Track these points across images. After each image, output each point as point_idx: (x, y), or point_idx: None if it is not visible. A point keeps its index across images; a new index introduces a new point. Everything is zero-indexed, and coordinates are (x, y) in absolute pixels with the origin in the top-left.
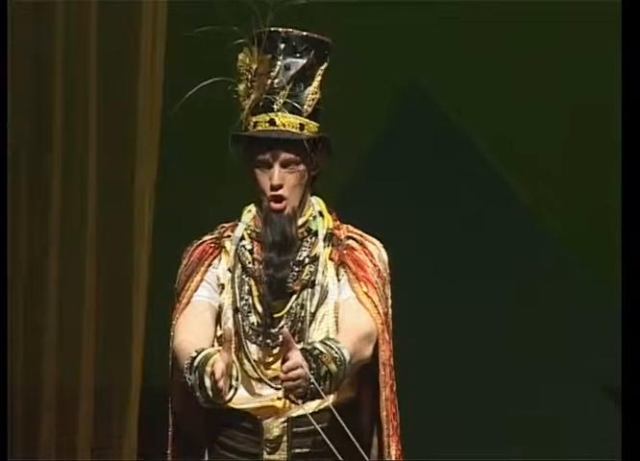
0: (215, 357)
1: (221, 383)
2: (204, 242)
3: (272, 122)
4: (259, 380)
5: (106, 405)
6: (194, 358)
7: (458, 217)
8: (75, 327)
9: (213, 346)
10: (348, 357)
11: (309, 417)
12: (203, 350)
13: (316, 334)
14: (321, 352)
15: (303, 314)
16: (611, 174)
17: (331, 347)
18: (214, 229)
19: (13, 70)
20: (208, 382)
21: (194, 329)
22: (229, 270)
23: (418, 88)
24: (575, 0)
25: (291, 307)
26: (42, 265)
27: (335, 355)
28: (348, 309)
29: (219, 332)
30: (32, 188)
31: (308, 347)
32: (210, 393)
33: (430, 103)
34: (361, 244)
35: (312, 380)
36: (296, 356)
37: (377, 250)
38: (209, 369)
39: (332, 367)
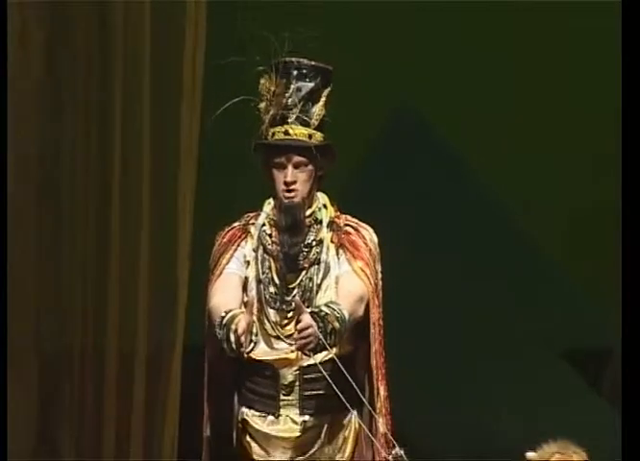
0: (239, 317)
1: (242, 338)
2: (233, 228)
3: (286, 132)
4: (277, 338)
5: (157, 362)
6: (223, 317)
7: (437, 214)
8: (133, 298)
9: (240, 308)
10: (347, 316)
11: (318, 365)
12: (230, 310)
13: (322, 301)
14: (327, 314)
15: (311, 285)
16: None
17: (333, 308)
18: (241, 217)
19: (72, 72)
20: (232, 337)
21: (225, 293)
22: (253, 250)
23: (406, 107)
24: (573, 0)
25: (302, 280)
26: (108, 247)
27: (338, 315)
28: (346, 279)
29: (245, 298)
30: (93, 185)
31: (316, 309)
32: (234, 345)
33: (417, 118)
34: (356, 230)
35: (320, 337)
36: (307, 318)
37: (369, 234)
38: (233, 326)
39: (336, 324)
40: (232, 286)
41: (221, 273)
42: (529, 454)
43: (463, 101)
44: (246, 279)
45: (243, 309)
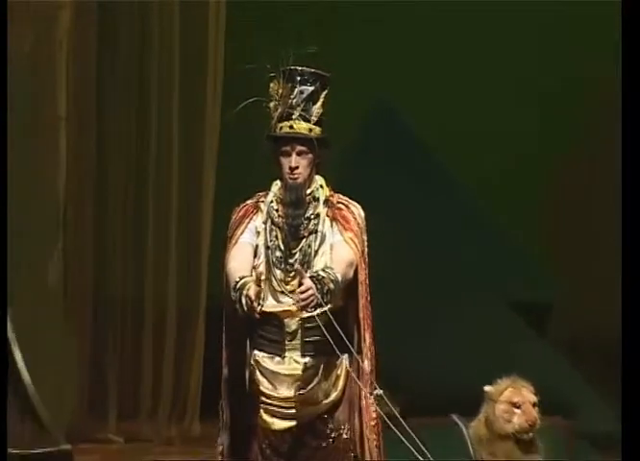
0: (250, 284)
1: (253, 302)
2: (247, 204)
3: (291, 127)
4: (282, 293)
5: (185, 314)
6: (237, 282)
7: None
8: (165, 262)
9: (251, 273)
10: (340, 278)
11: (316, 318)
12: (243, 277)
13: (318, 264)
14: (323, 277)
15: (309, 251)
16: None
17: (329, 272)
18: (254, 196)
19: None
20: (243, 300)
21: (239, 259)
22: (263, 222)
23: (385, 105)
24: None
25: (302, 246)
26: (145, 224)
27: (332, 278)
28: (338, 247)
29: (255, 262)
30: (132, 174)
31: (314, 273)
32: (245, 307)
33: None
34: (347, 206)
35: (318, 297)
36: (307, 282)
37: (357, 209)
38: (245, 291)
39: (331, 286)
40: (245, 253)
41: (236, 242)
42: (487, 388)
43: (439, 97)
44: (257, 246)
45: (254, 277)
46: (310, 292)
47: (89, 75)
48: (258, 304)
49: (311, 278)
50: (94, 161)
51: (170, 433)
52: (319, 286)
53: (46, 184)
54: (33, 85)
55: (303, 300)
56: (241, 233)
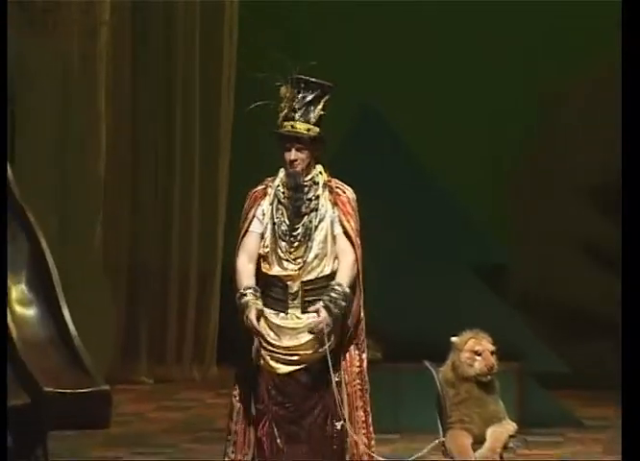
0: (251, 307)
1: (255, 328)
2: (257, 190)
3: (293, 126)
4: (287, 260)
5: (204, 277)
6: (242, 295)
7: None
8: (188, 236)
9: (260, 253)
10: (349, 290)
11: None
12: (247, 290)
13: (318, 237)
14: (336, 299)
15: (310, 226)
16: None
17: (338, 291)
18: (263, 181)
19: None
20: (245, 319)
21: (246, 252)
22: (270, 204)
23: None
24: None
25: (304, 222)
26: (171, 202)
27: (342, 297)
28: (342, 245)
29: (261, 251)
30: (160, 161)
31: (327, 298)
32: (246, 323)
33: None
34: (343, 191)
35: (330, 324)
36: (323, 314)
37: (351, 194)
38: (247, 312)
39: (343, 304)
40: (251, 244)
41: (247, 231)
42: (453, 339)
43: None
44: (262, 233)
45: (254, 293)
46: (322, 326)
47: (124, 78)
48: (258, 325)
49: (325, 305)
50: (129, 150)
51: (192, 375)
52: (335, 311)
53: (90, 170)
54: (77, 88)
55: (318, 330)
56: (250, 222)
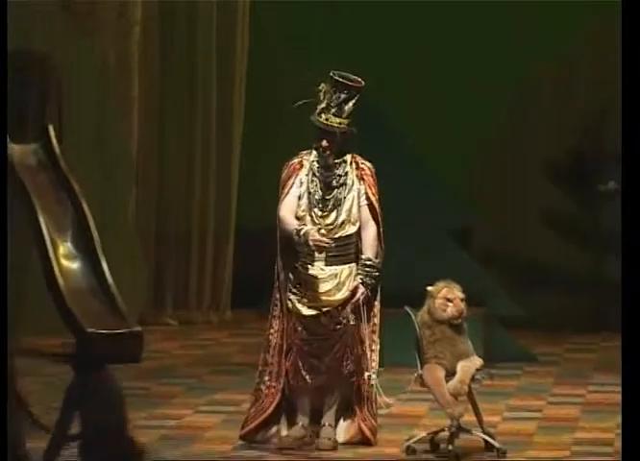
0: (311, 232)
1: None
2: (294, 162)
3: (327, 119)
4: (318, 223)
5: (221, 235)
6: (299, 230)
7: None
8: (206, 201)
9: (296, 214)
10: (377, 260)
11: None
12: (302, 226)
13: (345, 205)
14: (371, 269)
15: (340, 197)
16: None
17: (372, 263)
18: (299, 154)
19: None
20: (311, 243)
21: (288, 207)
22: (306, 175)
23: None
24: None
25: (334, 194)
26: (192, 175)
27: (376, 273)
28: (366, 221)
29: (298, 212)
30: (182, 140)
31: (362, 274)
32: (313, 247)
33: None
34: (367, 167)
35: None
36: (360, 291)
37: (372, 168)
38: (310, 237)
39: (376, 274)
40: (291, 204)
41: (288, 193)
42: (429, 288)
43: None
44: (300, 196)
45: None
46: (361, 298)
47: (153, 71)
48: (325, 241)
49: (362, 281)
50: (157, 132)
51: (210, 318)
52: (372, 281)
53: (124, 149)
54: (113, 79)
55: (356, 303)
56: (290, 187)
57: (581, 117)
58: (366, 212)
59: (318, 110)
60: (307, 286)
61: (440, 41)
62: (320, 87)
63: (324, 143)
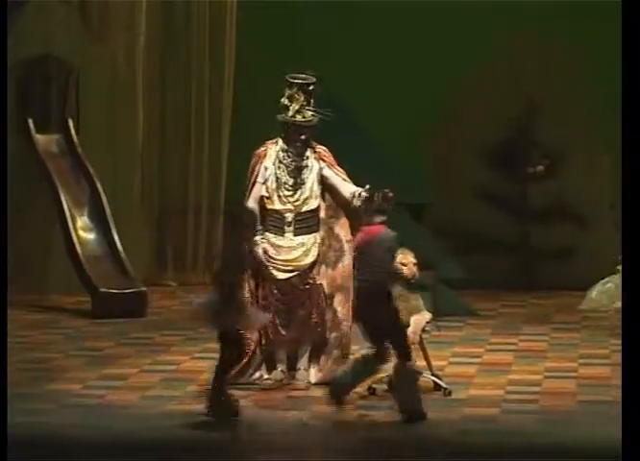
0: (259, 245)
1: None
2: (260, 151)
3: (304, 117)
4: (286, 200)
5: (212, 208)
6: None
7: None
8: (200, 181)
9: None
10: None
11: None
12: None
13: (308, 183)
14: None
15: (303, 177)
16: None
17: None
18: (264, 144)
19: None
20: (258, 250)
21: (253, 195)
22: (272, 163)
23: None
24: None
25: (298, 174)
26: (187, 156)
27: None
28: (337, 178)
29: (265, 194)
30: (179, 128)
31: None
32: (259, 255)
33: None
34: (323, 149)
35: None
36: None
37: (327, 149)
38: (257, 247)
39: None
40: (257, 191)
41: (254, 183)
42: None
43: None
44: (265, 181)
45: (259, 236)
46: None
47: (155, 69)
48: (267, 260)
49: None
50: (158, 120)
51: (205, 279)
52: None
53: (130, 136)
54: (122, 77)
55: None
56: (256, 175)
57: (514, 111)
58: (339, 178)
59: (292, 112)
60: (280, 254)
61: (396, 43)
62: (287, 93)
63: (303, 137)
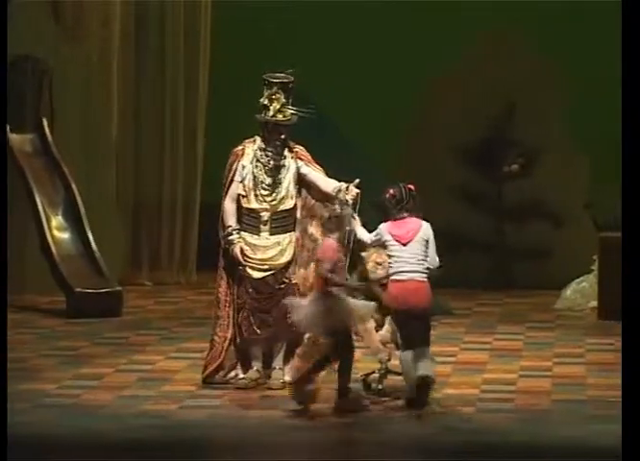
0: (236, 244)
1: (240, 259)
2: (237, 149)
3: (285, 115)
4: (262, 199)
5: (188, 207)
6: (229, 234)
7: None
8: (175, 178)
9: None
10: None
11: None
12: (232, 230)
13: (284, 184)
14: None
15: (280, 177)
16: None
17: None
18: (242, 143)
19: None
20: (232, 252)
21: (230, 193)
22: (250, 162)
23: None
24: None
25: (275, 175)
26: (162, 155)
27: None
28: (316, 174)
29: (241, 192)
30: (153, 125)
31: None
32: (232, 256)
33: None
34: (300, 149)
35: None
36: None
37: (303, 149)
38: (233, 247)
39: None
40: (233, 192)
41: (231, 181)
42: (362, 253)
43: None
44: (242, 180)
45: (237, 235)
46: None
47: (130, 67)
48: (243, 259)
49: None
50: (133, 119)
51: (179, 279)
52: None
53: (105, 133)
54: (97, 76)
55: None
56: (233, 175)
57: (491, 110)
58: (318, 174)
59: (273, 112)
60: (256, 253)
61: (370, 42)
62: (267, 93)
63: (282, 136)
